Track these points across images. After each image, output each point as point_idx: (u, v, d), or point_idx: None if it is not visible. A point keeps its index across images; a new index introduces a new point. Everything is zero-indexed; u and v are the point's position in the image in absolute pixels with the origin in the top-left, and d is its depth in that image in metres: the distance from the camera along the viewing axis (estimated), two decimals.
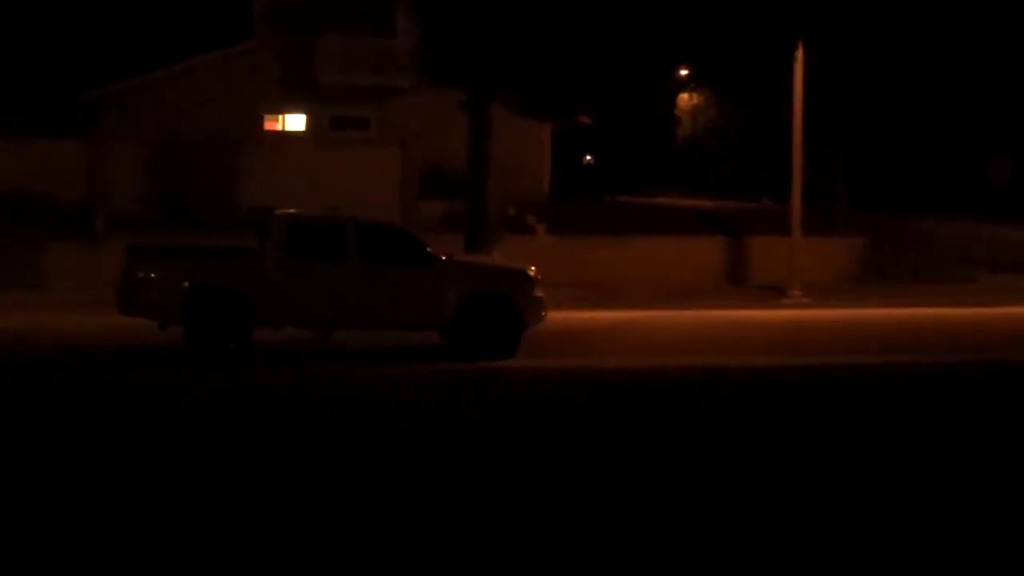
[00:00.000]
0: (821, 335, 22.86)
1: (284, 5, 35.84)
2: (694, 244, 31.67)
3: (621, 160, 47.84)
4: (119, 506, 9.60)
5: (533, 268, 19.49)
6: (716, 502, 10.04)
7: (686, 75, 46.83)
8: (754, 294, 29.33)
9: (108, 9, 39.06)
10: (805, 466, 11.41)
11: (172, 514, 9.43)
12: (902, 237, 34.50)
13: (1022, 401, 15.35)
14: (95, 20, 38.99)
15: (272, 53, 35.49)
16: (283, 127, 36.36)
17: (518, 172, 33.48)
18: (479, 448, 12.06)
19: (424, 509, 9.67)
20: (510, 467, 11.19)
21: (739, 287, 30.66)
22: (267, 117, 35.99)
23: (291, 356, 18.58)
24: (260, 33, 35.84)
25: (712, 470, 11.20)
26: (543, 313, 19.10)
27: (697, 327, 23.61)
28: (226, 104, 34.11)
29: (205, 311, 17.76)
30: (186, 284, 17.82)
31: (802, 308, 27.40)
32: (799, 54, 29.10)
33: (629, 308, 25.91)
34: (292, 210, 19.43)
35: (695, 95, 48.37)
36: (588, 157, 49.83)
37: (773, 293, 29.04)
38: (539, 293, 19.05)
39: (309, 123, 36.23)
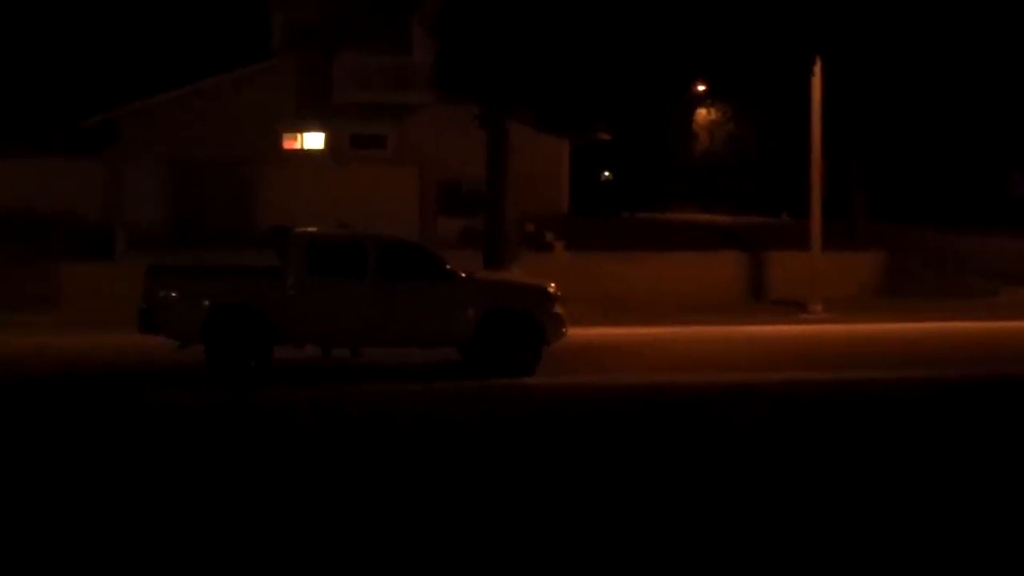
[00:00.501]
0: (842, 350, 22.74)
1: (301, 24, 35.93)
2: (713, 260, 31.57)
3: (639, 176, 47.75)
4: (137, 522, 9.56)
5: (552, 284, 19.43)
6: (733, 520, 9.95)
7: (704, 90, 46.74)
8: (774, 309, 29.22)
9: (127, 29, 39.21)
10: (823, 482, 11.31)
11: (185, 528, 9.38)
12: (923, 251, 34.34)
13: None
14: (114, 40, 39.14)
15: (290, 72, 35.58)
16: (301, 145, 36.43)
17: (536, 188, 33.45)
18: (495, 464, 11.98)
19: (434, 526, 9.60)
20: (525, 484, 11.11)
21: (759, 302, 30.55)
22: (285, 136, 36.07)
23: (311, 373, 18.53)
24: (278, 52, 35.94)
25: (731, 487, 11.10)
26: (563, 330, 19.02)
27: (717, 343, 23.51)
28: (244, 123, 34.19)
29: (225, 330, 17.75)
30: (207, 303, 17.81)
31: (823, 323, 27.28)
32: (817, 68, 29.02)
33: (649, 324, 25.83)
34: (311, 228, 19.43)
35: (713, 110, 48.27)
36: (606, 173, 49.77)
37: (793, 308, 28.93)
38: (559, 310, 18.98)
39: (327, 141, 36.28)
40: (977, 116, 39.69)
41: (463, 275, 18.80)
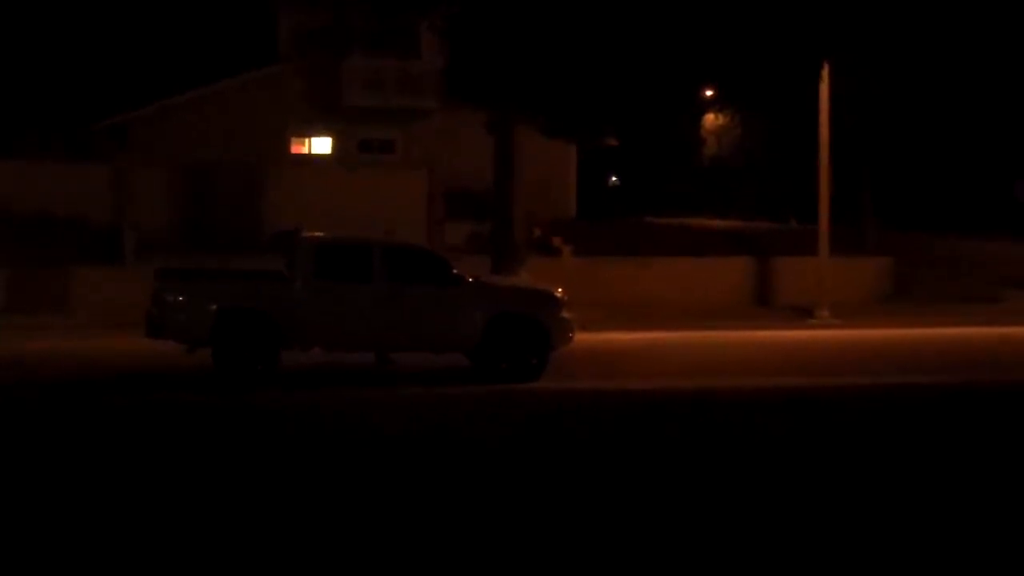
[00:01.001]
0: (849, 356, 22.75)
1: (309, 28, 36.01)
2: (721, 265, 31.59)
3: (647, 181, 47.77)
4: (141, 523, 9.60)
5: (560, 289, 19.46)
6: (736, 525, 9.97)
7: (711, 96, 46.78)
8: (782, 315, 29.22)
9: (137, 34, 39.33)
10: (828, 487, 11.32)
11: (188, 530, 9.42)
12: (930, 256, 34.34)
13: None
14: (124, 45, 39.27)
15: (298, 76, 35.66)
16: (309, 150, 36.50)
17: (544, 193, 33.50)
18: (500, 469, 12.00)
19: (438, 530, 9.63)
20: (531, 489, 11.14)
21: (767, 308, 30.57)
22: (293, 140, 36.15)
23: (318, 378, 18.58)
24: (285, 56, 36.03)
25: (735, 493, 11.12)
26: (570, 335, 19.04)
27: (725, 348, 23.52)
28: (252, 127, 34.28)
29: (233, 333, 17.79)
30: (214, 307, 17.85)
31: (830, 328, 27.30)
32: (825, 73, 29.04)
33: (656, 329, 25.86)
34: (319, 232, 19.49)
35: (720, 115, 48.28)
36: (614, 178, 49.78)
37: (801, 313, 28.94)
38: (566, 314, 19.00)
39: (335, 146, 36.35)
40: (984, 122, 39.67)
41: (470, 280, 18.83)
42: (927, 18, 32.38)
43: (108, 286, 26.55)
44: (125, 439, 13.47)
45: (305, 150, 36.50)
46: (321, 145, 36.48)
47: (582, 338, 19.98)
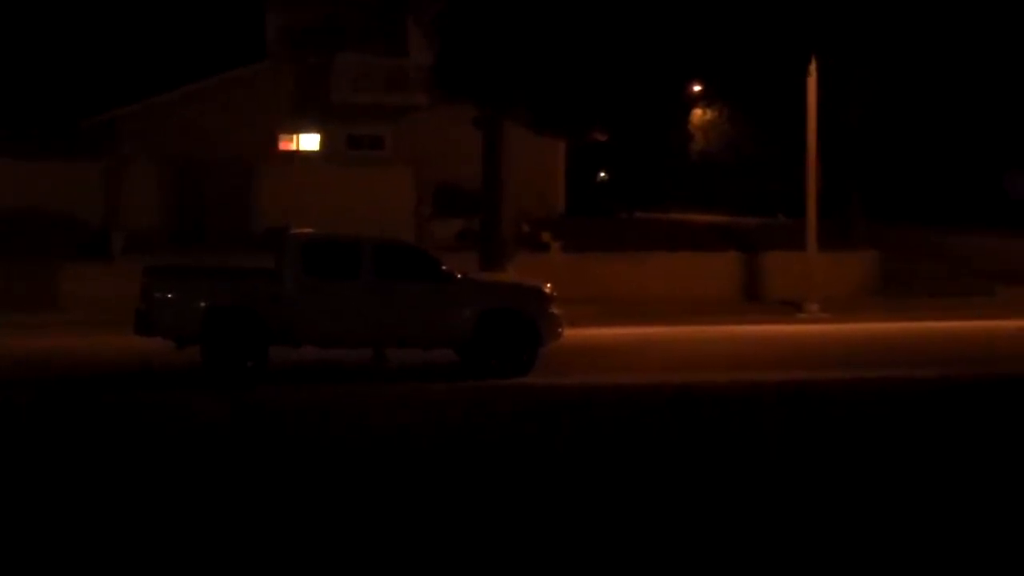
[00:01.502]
0: (838, 350, 22.81)
1: (297, 25, 35.98)
2: (710, 260, 31.63)
3: (635, 176, 47.82)
4: (133, 521, 9.61)
5: (549, 285, 19.50)
6: (728, 518, 10.00)
7: (699, 91, 46.83)
8: (770, 309, 29.28)
9: (126, 31, 39.26)
10: (819, 481, 11.36)
11: (180, 528, 9.44)
12: (918, 250, 34.42)
13: None
14: (111, 42, 39.19)
15: (286, 73, 35.62)
16: (298, 147, 36.46)
17: (532, 189, 33.52)
18: (489, 464, 12.03)
19: (429, 526, 9.66)
20: (521, 484, 11.16)
21: (755, 302, 30.62)
22: (282, 137, 36.11)
23: (308, 374, 18.59)
24: (274, 53, 35.98)
25: (726, 486, 11.15)
26: (559, 330, 19.09)
27: (713, 343, 23.57)
28: (241, 124, 34.23)
29: (222, 331, 17.80)
30: (203, 304, 17.87)
31: (819, 323, 27.36)
32: (812, 68, 29.09)
33: (645, 324, 25.90)
34: (307, 229, 19.50)
35: (708, 111, 48.35)
36: (602, 173, 49.82)
37: (790, 308, 28.99)
38: (555, 310, 19.05)
39: (323, 142, 36.33)
40: (972, 115, 39.78)
41: (459, 276, 18.87)
42: (915, 12, 32.45)
43: (97, 283, 26.51)
44: (115, 437, 13.47)
45: (294, 147, 36.46)
46: (310, 142, 36.45)
47: (571, 333, 20.00)
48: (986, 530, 9.71)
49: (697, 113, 48.93)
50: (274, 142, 35.82)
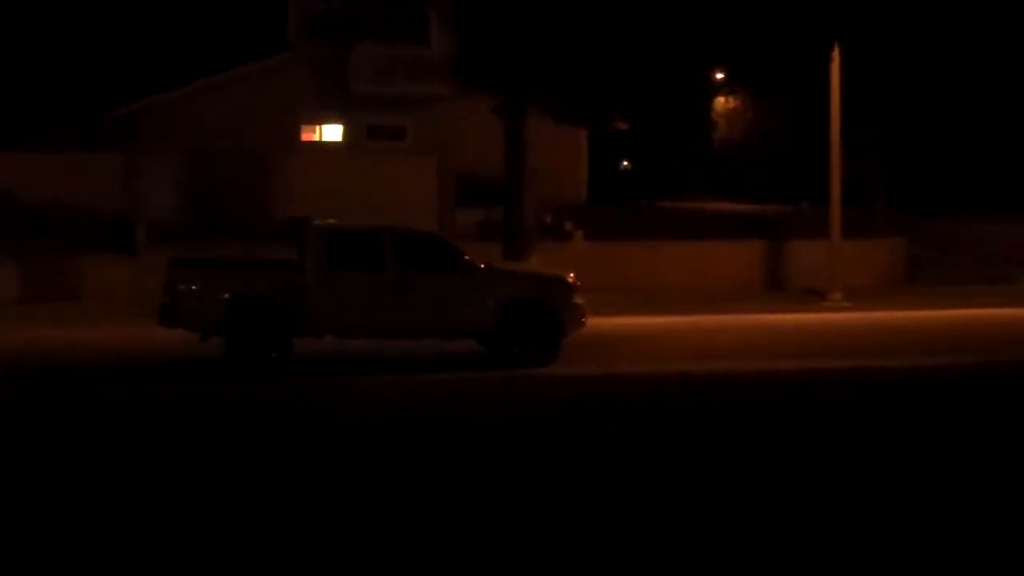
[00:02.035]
0: (862, 339, 22.70)
1: (319, 16, 35.99)
2: (733, 248, 31.51)
3: (658, 165, 47.71)
4: (149, 512, 9.64)
5: (572, 275, 19.45)
6: (749, 509, 9.96)
7: (722, 78, 46.67)
8: (794, 298, 29.16)
9: (145, 24, 39.35)
10: (841, 471, 11.31)
11: (196, 518, 9.45)
12: (943, 238, 34.26)
13: None
14: (133, 35, 39.30)
15: (308, 64, 35.64)
16: (320, 137, 36.50)
17: (555, 178, 33.44)
18: (511, 454, 12.01)
19: (450, 515, 9.65)
20: (541, 473, 11.14)
21: (779, 291, 30.50)
22: (304, 127, 36.15)
23: (331, 365, 18.60)
24: (295, 44, 36.01)
25: (748, 477, 11.11)
26: (582, 320, 19.05)
27: (737, 332, 23.49)
28: (263, 115, 34.28)
29: (246, 322, 17.82)
30: (227, 295, 17.89)
31: (843, 312, 27.24)
32: (836, 54, 28.93)
33: (668, 314, 25.83)
34: (330, 220, 19.49)
35: (731, 98, 48.18)
36: (625, 162, 49.72)
37: (813, 297, 28.88)
38: (578, 300, 19.00)
39: (345, 133, 36.35)
40: (998, 101, 39.52)
41: (482, 266, 18.84)
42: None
43: (120, 275, 26.62)
44: (135, 429, 13.50)
45: (316, 137, 36.50)
46: (332, 132, 36.47)
47: (594, 323, 19.96)
48: (1011, 521, 9.65)
49: (720, 101, 48.80)
50: (296, 133, 35.86)
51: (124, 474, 11.17)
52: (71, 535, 9.19)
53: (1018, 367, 17.85)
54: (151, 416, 14.27)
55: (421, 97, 35.45)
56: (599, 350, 20.12)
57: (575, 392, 15.89)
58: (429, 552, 8.84)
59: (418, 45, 35.63)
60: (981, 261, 32.74)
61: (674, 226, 32.80)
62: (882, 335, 23.18)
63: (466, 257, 18.75)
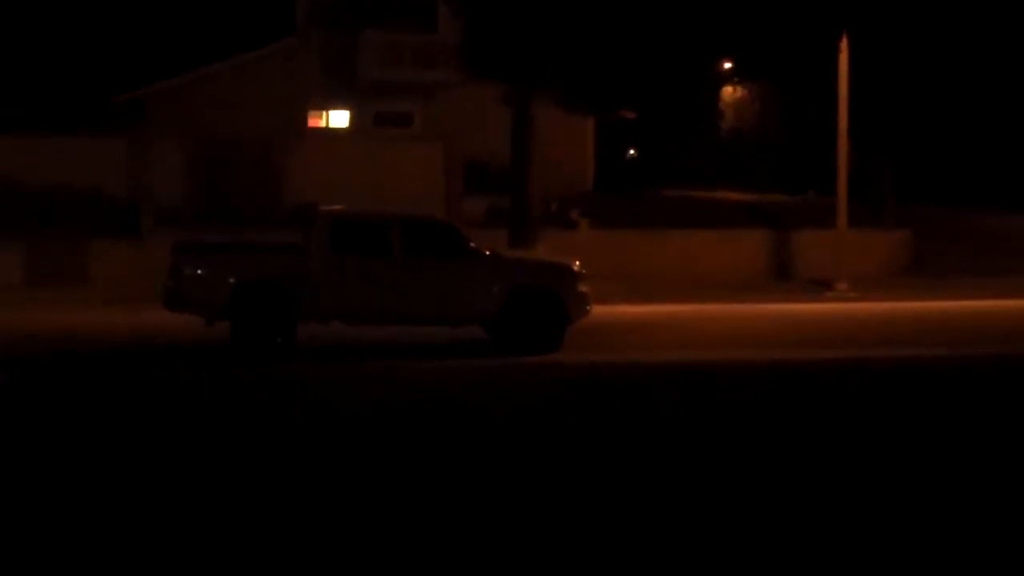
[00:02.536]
0: (866, 329, 22.69)
1: (327, 2, 35.92)
2: (739, 238, 31.51)
3: (665, 154, 47.59)
4: (150, 498, 9.66)
5: (577, 263, 19.46)
6: (752, 500, 9.97)
7: (730, 68, 46.55)
8: (799, 288, 29.17)
9: (154, 8, 39.34)
10: (844, 463, 11.31)
11: (197, 503, 9.48)
12: (950, 229, 34.20)
13: None
14: (140, 20, 39.29)
15: (315, 50, 35.60)
16: (327, 123, 36.47)
17: (561, 166, 33.40)
18: (514, 440, 12.02)
19: (453, 503, 9.66)
20: (543, 461, 11.16)
21: (784, 281, 30.51)
22: (311, 114, 36.10)
23: (335, 351, 18.63)
24: (302, 30, 35.96)
25: (751, 466, 11.12)
26: (587, 308, 19.06)
27: (742, 321, 23.50)
28: (269, 101, 34.25)
29: (251, 307, 17.84)
30: (232, 280, 17.90)
31: (848, 302, 27.23)
32: (844, 45, 28.87)
33: (673, 302, 25.84)
34: (336, 206, 19.50)
35: (739, 88, 48.06)
36: (631, 151, 49.62)
37: (819, 286, 28.87)
38: (583, 288, 19.01)
39: (352, 119, 36.32)
40: (1007, 93, 39.39)
41: (488, 253, 18.84)
42: None
43: (126, 259, 26.67)
44: (133, 414, 13.53)
45: (323, 124, 36.46)
46: (339, 119, 36.44)
47: (599, 311, 19.97)
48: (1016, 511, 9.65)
49: (728, 90, 48.67)
50: (303, 119, 35.82)
51: (115, 463, 11.19)
52: (68, 516, 9.22)
53: (1016, 359, 17.85)
54: (150, 401, 14.30)
55: (428, 84, 35.40)
56: (604, 338, 20.12)
57: (580, 379, 15.90)
58: (424, 540, 8.85)
59: (426, 32, 35.54)
60: (988, 253, 32.69)
61: (680, 215, 32.79)
62: (888, 325, 23.16)
63: (472, 244, 18.75)
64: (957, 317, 24.19)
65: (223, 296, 17.82)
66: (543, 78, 27.69)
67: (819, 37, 30.10)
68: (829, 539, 8.87)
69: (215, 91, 34.47)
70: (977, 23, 33.67)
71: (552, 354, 18.23)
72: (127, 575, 8.01)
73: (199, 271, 18.14)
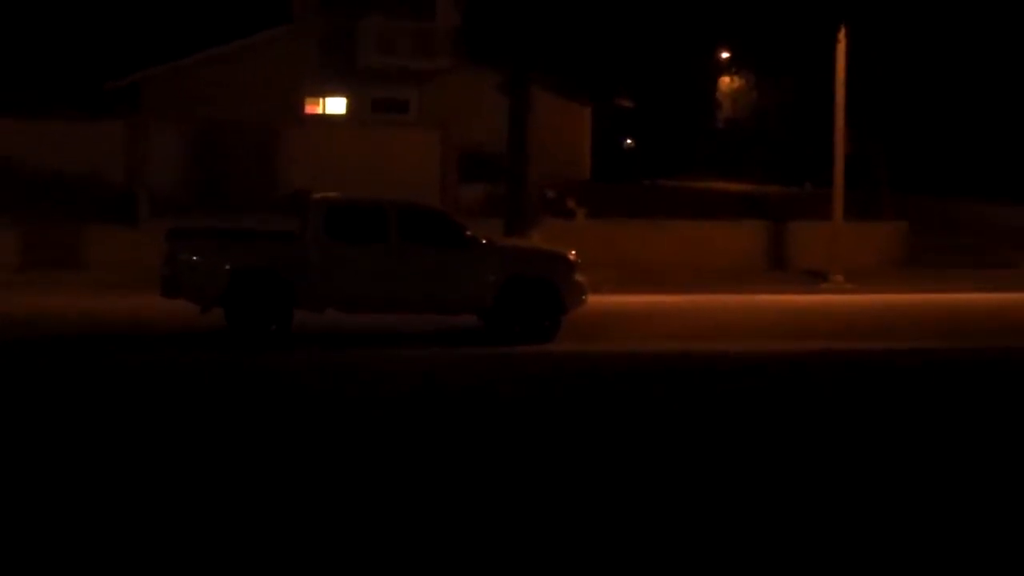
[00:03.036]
0: (863, 320, 22.71)
1: None
2: (735, 228, 31.52)
3: (662, 143, 47.61)
4: (144, 486, 9.66)
5: (573, 252, 19.44)
6: (746, 493, 9.98)
7: (727, 58, 46.54)
8: (795, 279, 29.18)
9: None
10: (838, 456, 11.32)
11: (188, 493, 9.47)
12: (945, 221, 34.21)
13: None
14: (137, 4, 39.18)
15: (312, 36, 35.55)
16: (324, 110, 36.43)
17: (558, 155, 33.40)
18: (510, 431, 12.02)
19: (447, 492, 9.66)
20: (538, 451, 11.16)
21: (780, 271, 30.52)
22: (308, 100, 36.07)
23: (330, 338, 18.61)
24: (300, 16, 35.91)
25: (745, 458, 11.12)
26: (583, 297, 19.04)
27: (738, 312, 23.50)
28: (266, 87, 34.21)
29: (246, 294, 17.81)
30: (228, 267, 17.87)
31: (843, 293, 27.25)
32: (842, 36, 28.85)
33: (669, 292, 25.84)
34: (331, 193, 19.47)
35: (736, 78, 48.06)
36: (629, 140, 49.63)
37: (815, 278, 28.89)
38: (579, 277, 19.00)
39: (349, 106, 36.28)
40: (1003, 85, 39.40)
41: (484, 241, 18.82)
42: None
43: (121, 245, 26.63)
44: (131, 399, 13.52)
45: (319, 110, 36.42)
46: (335, 105, 36.40)
47: (595, 300, 19.96)
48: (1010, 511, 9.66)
49: (725, 80, 48.67)
50: (300, 105, 35.79)
51: (101, 453, 11.18)
52: (52, 508, 9.21)
53: (1011, 353, 17.86)
54: (140, 388, 14.28)
55: (426, 71, 35.36)
56: (599, 328, 20.12)
57: (574, 369, 15.90)
58: (413, 531, 8.86)
59: (424, 19, 35.50)
60: (983, 245, 32.72)
61: (677, 205, 32.78)
62: (883, 317, 23.18)
63: (468, 232, 18.72)
64: (952, 310, 24.19)
65: (218, 283, 17.78)
66: (541, 65, 27.67)
67: (817, 28, 30.08)
68: (824, 535, 8.88)
69: (212, 76, 34.43)
70: (974, 15, 33.67)
71: (547, 343, 18.22)
72: (111, 571, 7.99)
73: (194, 258, 18.10)
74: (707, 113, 48.86)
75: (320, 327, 18.88)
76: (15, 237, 26.58)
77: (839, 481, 10.22)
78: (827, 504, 9.55)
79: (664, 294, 25.59)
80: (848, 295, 26.94)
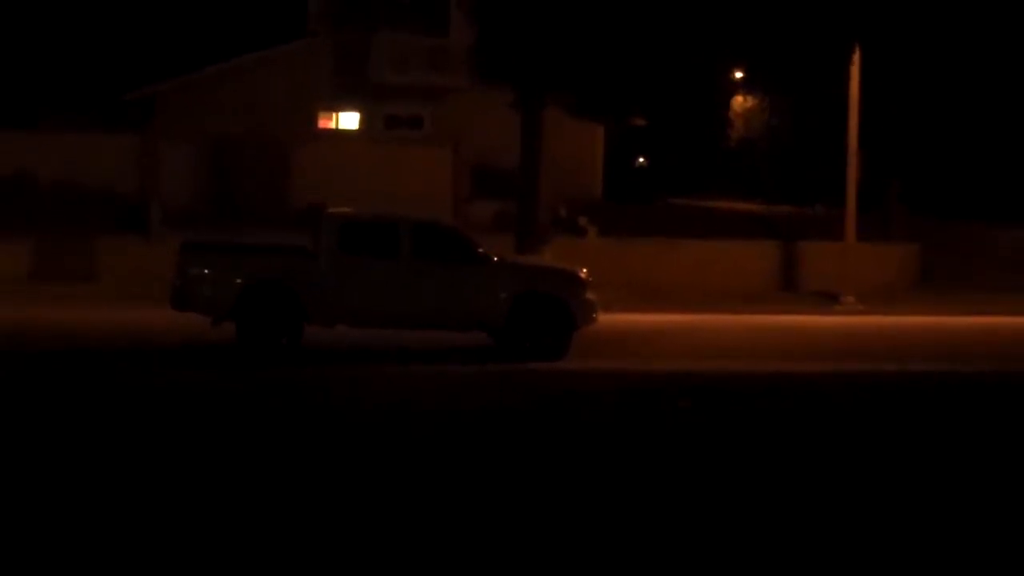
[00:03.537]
0: (874, 342, 22.65)
1: (339, 4, 35.94)
2: (747, 248, 31.46)
3: (674, 162, 47.60)
4: (149, 498, 9.65)
5: (584, 270, 19.44)
6: (750, 508, 9.94)
7: (740, 77, 46.53)
8: (807, 300, 29.11)
9: (166, 6, 39.38)
10: (842, 475, 11.28)
11: (195, 503, 9.47)
12: (958, 243, 34.12)
13: None
14: (153, 17, 39.34)
15: (326, 51, 35.61)
16: (337, 125, 36.48)
17: (570, 173, 33.39)
18: (516, 448, 12.00)
19: (452, 507, 9.65)
20: (545, 469, 11.13)
21: (791, 293, 30.45)
22: (321, 115, 36.12)
23: (340, 354, 18.60)
24: (314, 31, 35.98)
25: (750, 477, 11.09)
26: (594, 315, 19.04)
27: (748, 332, 23.46)
28: (280, 102, 34.26)
29: (257, 308, 17.82)
30: (239, 281, 17.89)
31: (855, 315, 27.18)
32: (856, 57, 28.83)
33: (680, 312, 25.81)
34: (344, 208, 19.49)
35: (749, 98, 48.03)
36: (641, 159, 49.62)
37: (826, 299, 28.82)
38: (590, 295, 19.00)
39: (362, 121, 36.33)
40: (1018, 106, 39.31)
41: (495, 258, 18.82)
42: (959, 1, 32.11)
43: (134, 257, 26.66)
44: (139, 412, 13.52)
45: (332, 125, 36.47)
46: (349, 120, 36.45)
47: (605, 319, 19.95)
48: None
49: (738, 100, 48.64)
50: (313, 120, 35.84)
51: (110, 465, 11.17)
52: (61, 518, 9.21)
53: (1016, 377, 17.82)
54: (149, 401, 14.28)
55: (439, 87, 35.40)
56: (610, 346, 20.09)
57: (584, 387, 15.88)
58: (419, 543, 8.85)
59: (438, 35, 35.56)
60: (997, 268, 32.62)
61: (688, 224, 32.75)
62: (895, 340, 23.11)
63: (480, 249, 18.73)
64: (964, 333, 24.12)
65: (229, 297, 17.80)
66: (554, 83, 27.68)
67: (830, 48, 30.04)
68: (833, 553, 8.86)
69: (226, 91, 34.50)
70: (988, 36, 33.62)
71: (557, 361, 18.20)
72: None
73: (206, 271, 18.13)
74: (719, 132, 48.84)
75: (330, 342, 18.88)
76: (28, 248, 26.63)
77: (849, 500, 10.19)
78: (833, 523, 9.52)
79: (675, 313, 25.56)
80: (860, 317, 26.87)
